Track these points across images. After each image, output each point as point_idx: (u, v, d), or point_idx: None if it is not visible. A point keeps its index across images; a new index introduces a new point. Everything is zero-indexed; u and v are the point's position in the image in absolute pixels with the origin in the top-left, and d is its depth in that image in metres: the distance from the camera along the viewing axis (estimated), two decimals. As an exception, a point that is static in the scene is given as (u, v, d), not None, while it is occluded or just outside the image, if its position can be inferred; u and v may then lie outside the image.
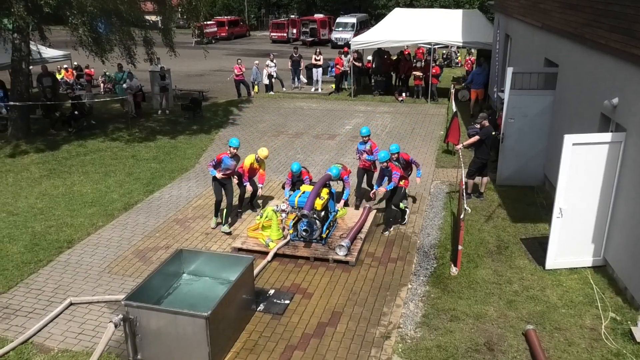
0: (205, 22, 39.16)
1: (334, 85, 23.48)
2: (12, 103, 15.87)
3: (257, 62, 23.62)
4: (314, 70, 22.97)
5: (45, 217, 10.56)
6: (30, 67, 17.50)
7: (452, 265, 8.47)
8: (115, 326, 6.14)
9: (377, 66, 23.12)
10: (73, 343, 6.83)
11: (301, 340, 6.89)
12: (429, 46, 21.63)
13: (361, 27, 40.94)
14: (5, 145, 15.40)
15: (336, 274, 8.50)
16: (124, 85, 19.14)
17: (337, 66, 22.95)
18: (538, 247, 9.01)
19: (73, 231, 9.93)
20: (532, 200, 10.97)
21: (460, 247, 8.30)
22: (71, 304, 7.66)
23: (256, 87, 23.31)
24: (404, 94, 21.63)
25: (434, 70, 20.68)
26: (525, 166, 11.59)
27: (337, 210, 10.02)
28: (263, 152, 10.37)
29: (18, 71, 15.96)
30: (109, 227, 10.21)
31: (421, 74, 21.18)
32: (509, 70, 11.26)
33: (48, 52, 20.98)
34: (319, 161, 13.96)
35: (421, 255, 9.06)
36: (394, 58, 23.24)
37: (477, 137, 10.90)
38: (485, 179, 11.26)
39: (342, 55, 22.81)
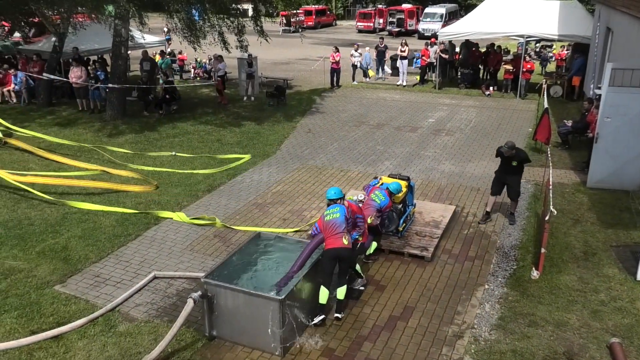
0: (292, 11, 39.86)
1: (418, 77, 23.07)
2: (110, 85, 16.88)
3: (367, 48, 23.71)
4: (399, 61, 22.65)
5: (135, 194, 11.18)
6: (129, 51, 18.50)
7: (534, 268, 8.12)
8: (194, 302, 6.42)
9: (464, 58, 22.44)
10: (155, 315, 7.22)
11: (371, 332, 6.89)
12: (522, 39, 20.71)
13: (450, 18, 39.87)
14: (104, 125, 16.43)
15: (410, 268, 8.40)
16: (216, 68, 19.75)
17: (423, 57, 22.53)
18: (630, 257, 8.44)
19: (160, 209, 10.45)
20: (627, 206, 10.28)
21: (543, 250, 7.93)
22: (155, 277, 8.09)
23: (371, 70, 23.44)
24: (491, 88, 20.87)
25: (528, 66, 19.75)
26: (620, 169, 10.85)
27: (415, 204, 9.87)
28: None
29: (118, 55, 16.92)
30: (193, 207, 10.65)
31: (511, 67, 20.33)
32: (608, 66, 10.55)
33: (145, 38, 22.09)
34: (399, 153, 13.80)
35: (500, 256, 8.75)
36: (483, 50, 22.46)
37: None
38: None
39: (429, 47, 22.35)
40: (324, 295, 6.93)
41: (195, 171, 12.37)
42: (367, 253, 8.46)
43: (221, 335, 6.70)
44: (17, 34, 25.26)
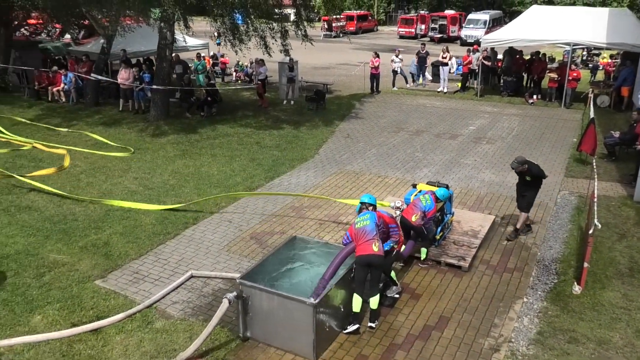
0: (334, 16, 40.01)
1: (460, 84, 22.78)
2: (155, 86, 17.28)
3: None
4: (441, 67, 22.41)
5: (175, 194, 11.40)
6: (173, 54, 18.90)
7: (575, 283, 7.88)
8: (229, 302, 6.47)
9: (507, 66, 22.04)
10: (190, 313, 7.33)
11: (405, 341, 6.81)
12: (568, 47, 20.20)
13: (493, 25, 39.28)
14: (147, 126, 16.82)
15: (447, 277, 8.27)
16: (257, 71, 19.99)
17: (465, 64, 22.23)
18: (679, 274, 8.10)
19: (198, 209, 10.62)
20: (676, 222, 9.88)
21: (586, 265, 7.69)
22: (192, 276, 8.21)
23: (420, 78, 23.44)
24: (535, 96, 20.42)
25: (574, 74, 19.24)
26: (671, 183, 10.46)
27: (453, 213, 9.73)
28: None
29: (162, 58, 17.31)
30: (231, 208, 10.77)
31: (556, 75, 19.84)
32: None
33: (189, 41, 22.52)
34: (438, 161, 13.64)
35: (541, 269, 8.53)
36: (527, 58, 22.00)
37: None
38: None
39: (471, 53, 22.05)
40: (357, 303, 6.88)
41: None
42: (422, 259, 8.50)
43: (255, 337, 6.74)
44: (67, 36, 26.24)
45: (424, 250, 8.49)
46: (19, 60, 22.05)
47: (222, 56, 26.07)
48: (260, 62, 20.29)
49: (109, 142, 14.84)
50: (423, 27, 45.71)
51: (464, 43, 37.63)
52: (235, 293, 6.53)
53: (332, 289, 6.56)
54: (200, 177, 12.42)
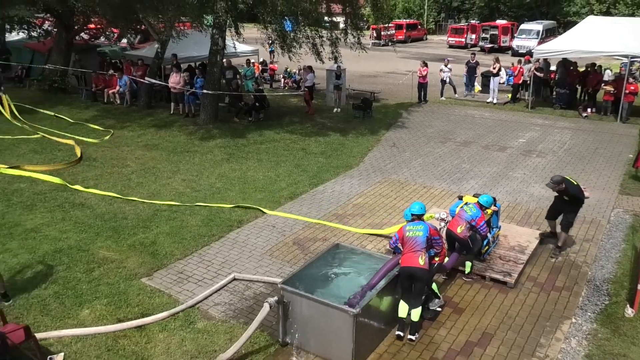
0: (383, 25, 39.92)
1: (510, 95, 22.30)
2: (205, 91, 17.66)
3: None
4: (491, 78, 22.01)
5: (221, 197, 11.59)
6: (224, 59, 19.30)
7: (628, 305, 7.55)
8: (270, 307, 6.51)
9: (560, 77, 21.39)
10: (231, 315, 7.41)
11: (446, 356, 6.68)
12: (625, 59, 19.47)
13: (547, 35, 38.31)
14: (197, 129, 17.20)
15: (492, 293, 8.08)
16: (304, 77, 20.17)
17: (517, 75, 21.75)
18: None
19: (243, 212, 10.76)
20: None
21: (640, 287, 7.37)
22: (234, 279, 8.31)
23: (477, 86, 23.20)
24: (589, 110, 19.76)
25: (632, 87, 18.52)
26: None
27: (500, 227, 9.51)
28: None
29: (213, 63, 17.68)
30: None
31: (612, 88, 19.15)
32: None
33: (239, 47, 22.93)
34: (485, 173, 13.37)
35: (591, 289, 8.21)
36: (582, 69, 21.33)
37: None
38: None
39: (523, 64, 21.56)
40: (403, 309, 6.89)
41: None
42: (466, 272, 8.32)
43: (294, 343, 6.75)
44: (124, 40, 27.19)
45: (468, 264, 8.33)
46: (78, 63, 22.99)
47: (271, 63, 26.41)
48: (308, 69, 20.45)
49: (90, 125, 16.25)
50: (473, 36, 45.05)
51: (516, 53, 36.82)
52: (276, 298, 6.58)
53: (373, 299, 6.51)
54: (246, 181, 12.59)
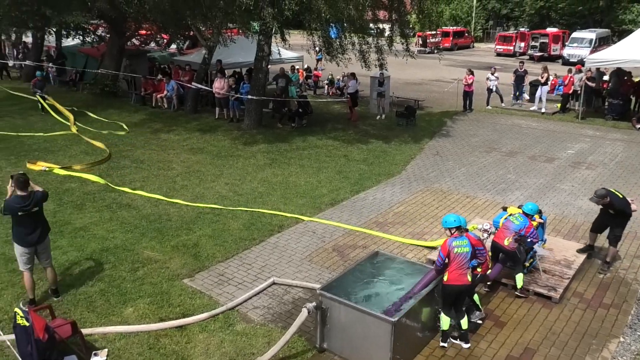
0: (429, 32, 39.62)
1: (559, 105, 21.69)
2: (249, 96, 17.92)
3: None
4: (539, 87, 21.48)
5: (263, 201, 11.71)
6: (278, 67, 19.54)
7: (681, 326, 7.21)
8: (309, 312, 6.53)
9: (613, 87, 20.68)
10: (270, 319, 7.46)
11: (486, 369, 6.54)
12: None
13: (600, 44, 37.12)
14: (241, 134, 17.46)
15: (535, 307, 7.85)
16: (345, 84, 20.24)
17: (567, 84, 21.17)
18: None
19: (284, 217, 10.84)
20: None
21: (695, 307, 7.03)
22: (274, 283, 8.37)
23: (525, 96, 22.82)
24: (644, 122, 19.04)
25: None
26: None
27: (545, 240, 9.24)
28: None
29: (259, 69, 17.93)
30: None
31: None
32: None
33: (284, 54, 23.19)
34: (531, 184, 13.04)
35: (641, 307, 7.89)
36: (636, 80, 20.56)
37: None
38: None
39: (574, 73, 20.96)
40: (445, 322, 6.82)
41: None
42: (518, 287, 8.05)
43: (331, 349, 6.74)
44: (173, 46, 27.92)
45: (520, 277, 8.03)
46: (129, 67, 23.76)
47: (316, 69, 26.57)
48: (351, 76, 20.48)
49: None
50: (522, 44, 44.11)
51: (566, 62, 35.86)
52: (314, 303, 6.59)
53: (412, 308, 6.44)
54: (288, 186, 12.68)
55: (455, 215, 7.02)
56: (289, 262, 9.09)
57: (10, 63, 29.55)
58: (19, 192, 7.28)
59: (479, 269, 7.43)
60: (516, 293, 8.11)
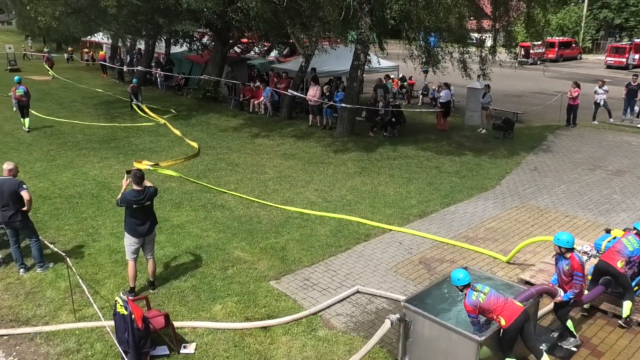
0: (533, 43, 37.95)
1: (676, 122, 19.96)
2: (343, 104, 18.08)
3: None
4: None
5: (350, 209, 11.74)
6: (364, 74, 19.62)
7: None
8: (392, 324, 6.45)
9: None
10: (352, 327, 7.45)
11: (580, 401, 6.12)
12: None
13: None
14: (333, 141, 17.65)
15: (638, 339, 7.24)
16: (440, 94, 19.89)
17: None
18: None
19: (371, 226, 10.80)
20: None
21: None
22: (358, 291, 8.35)
23: (638, 109, 21.34)
24: None
25: None
26: None
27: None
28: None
29: (354, 78, 18.06)
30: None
31: None
32: None
33: (380, 63, 23.18)
34: (639, 206, 12.10)
35: None
36: None
37: None
38: None
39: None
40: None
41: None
42: (624, 316, 7.43)
43: (413, 363, 6.61)
44: (272, 54, 28.83)
45: (628, 305, 7.38)
46: (230, 74, 24.84)
47: (410, 78, 26.32)
48: (444, 86, 20.04)
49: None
50: (637, 56, 41.12)
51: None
52: (398, 315, 6.49)
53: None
54: (376, 195, 12.63)
55: (566, 234, 6.80)
56: (374, 272, 9.04)
57: (125, 68, 31.88)
58: (134, 187, 7.82)
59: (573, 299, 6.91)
60: (619, 322, 7.52)
